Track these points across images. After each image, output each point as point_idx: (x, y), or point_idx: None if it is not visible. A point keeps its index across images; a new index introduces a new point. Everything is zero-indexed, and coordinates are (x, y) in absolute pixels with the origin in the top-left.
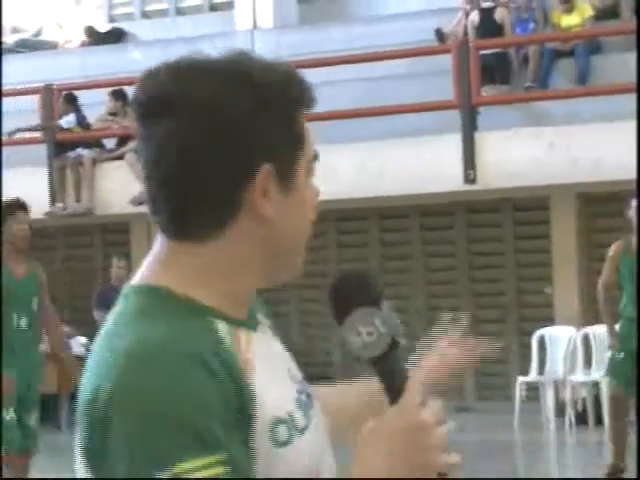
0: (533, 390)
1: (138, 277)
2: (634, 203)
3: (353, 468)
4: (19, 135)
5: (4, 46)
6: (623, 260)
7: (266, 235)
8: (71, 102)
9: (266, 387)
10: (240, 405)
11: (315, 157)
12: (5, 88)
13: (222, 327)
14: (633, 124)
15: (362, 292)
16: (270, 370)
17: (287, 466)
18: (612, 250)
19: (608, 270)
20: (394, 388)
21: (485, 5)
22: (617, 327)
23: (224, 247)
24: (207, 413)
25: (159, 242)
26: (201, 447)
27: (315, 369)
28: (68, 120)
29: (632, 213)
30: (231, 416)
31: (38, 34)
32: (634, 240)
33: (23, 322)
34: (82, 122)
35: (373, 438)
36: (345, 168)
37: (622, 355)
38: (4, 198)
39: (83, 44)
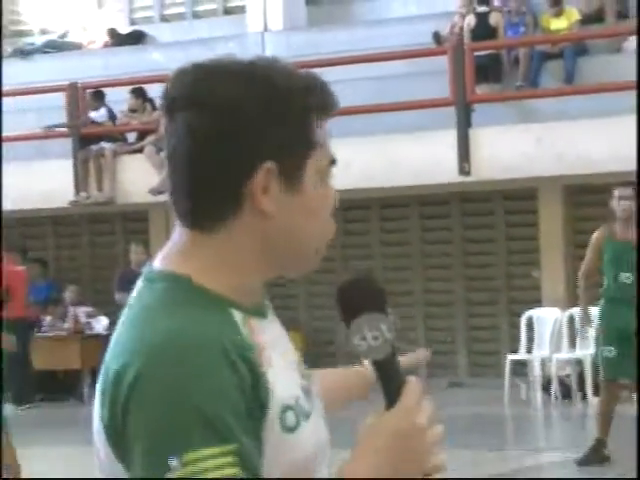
0: (521, 367)
1: (160, 262)
2: (616, 193)
3: (346, 463)
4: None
5: (33, 47)
6: (606, 246)
7: (269, 231)
8: (100, 98)
9: (277, 375)
10: (255, 395)
11: (332, 162)
12: (33, 86)
13: (238, 317)
14: (616, 120)
15: (370, 297)
16: (280, 357)
17: (294, 451)
18: (594, 238)
19: (590, 257)
20: (392, 391)
21: (480, 10)
22: (596, 308)
23: (229, 239)
24: (222, 404)
25: (178, 231)
26: (212, 437)
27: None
28: (101, 115)
29: (615, 203)
30: (246, 406)
31: (64, 36)
32: (617, 227)
33: None
34: (112, 116)
35: (369, 436)
36: (349, 161)
37: (613, 353)
38: (34, 188)
39: (106, 45)
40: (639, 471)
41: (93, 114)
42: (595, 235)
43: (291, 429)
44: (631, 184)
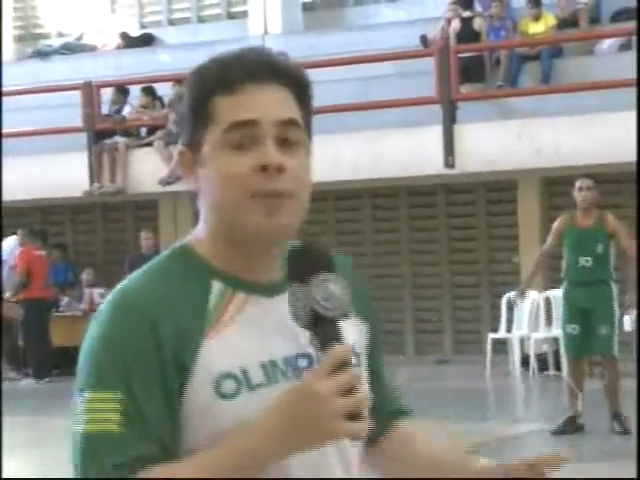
0: (502, 345)
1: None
2: (577, 184)
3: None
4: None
5: (51, 48)
6: (567, 233)
7: (204, 203)
8: (124, 94)
9: (226, 344)
10: (177, 356)
11: (232, 126)
12: (51, 84)
13: (217, 286)
14: (588, 117)
15: (320, 262)
16: (246, 331)
17: (226, 416)
18: (556, 224)
19: (551, 242)
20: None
21: (465, 15)
22: (559, 291)
23: (202, 213)
24: (115, 356)
25: None
26: (100, 383)
27: None
28: (130, 111)
29: (575, 193)
30: (160, 363)
31: (80, 38)
32: (577, 216)
33: None
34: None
35: (279, 401)
36: (343, 154)
37: (577, 330)
38: (52, 179)
39: (118, 47)
40: (639, 471)
41: (119, 108)
42: (557, 222)
43: (226, 396)
44: (590, 176)
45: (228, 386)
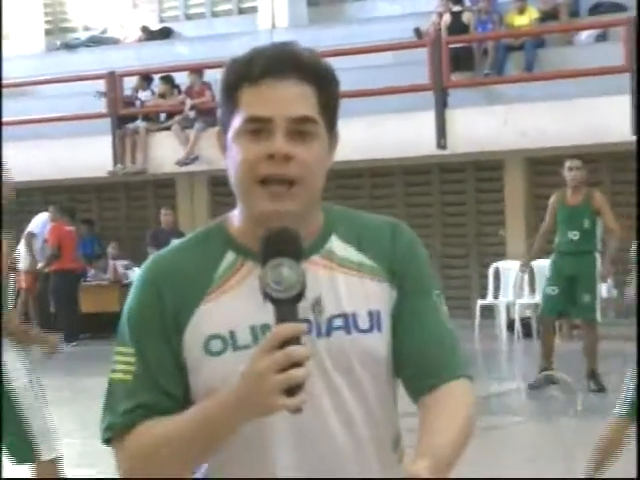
0: (489, 310)
1: None
2: (567, 164)
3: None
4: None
5: (77, 41)
6: (558, 209)
7: (230, 180)
8: (148, 81)
9: (221, 308)
10: (175, 318)
11: (249, 119)
12: (77, 74)
13: (230, 256)
14: (568, 103)
15: (283, 246)
16: (245, 297)
17: (215, 371)
18: (550, 202)
19: (549, 219)
20: None
21: (455, 9)
22: (547, 260)
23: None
24: (135, 316)
25: None
26: (121, 340)
27: None
28: (146, 94)
29: (566, 172)
30: (162, 324)
31: (104, 32)
32: (567, 193)
33: None
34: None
35: (239, 375)
36: (344, 137)
37: (556, 291)
38: (79, 160)
39: (139, 40)
40: (639, 471)
41: (141, 94)
42: (551, 200)
43: (214, 353)
44: (579, 157)
45: (215, 345)
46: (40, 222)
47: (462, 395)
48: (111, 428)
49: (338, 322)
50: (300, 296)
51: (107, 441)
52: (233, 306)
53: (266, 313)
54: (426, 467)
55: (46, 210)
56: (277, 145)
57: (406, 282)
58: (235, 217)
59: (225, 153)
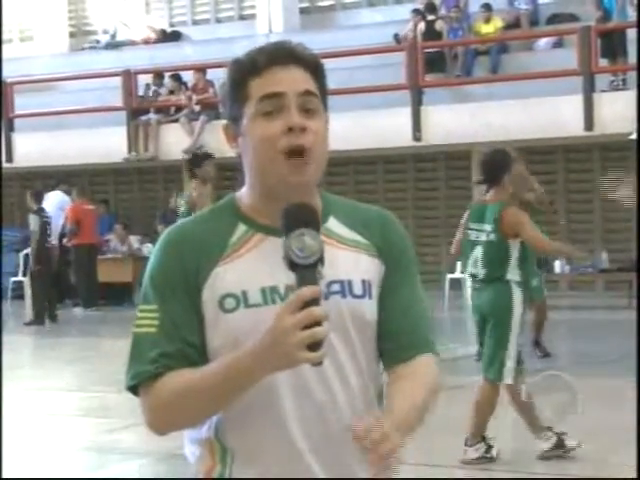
0: (457, 284)
1: None
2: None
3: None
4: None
5: (97, 43)
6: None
7: (245, 165)
8: (161, 77)
9: (235, 271)
10: (195, 277)
11: (263, 98)
12: (97, 72)
13: (241, 228)
14: (529, 101)
15: (303, 217)
16: (256, 261)
17: (228, 326)
18: None
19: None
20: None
21: (429, 18)
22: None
23: (246, 175)
24: (157, 276)
25: None
26: (145, 299)
27: None
28: (161, 89)
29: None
30: (185, 283)
31: (121, 35)
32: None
33: None
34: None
35: (264, 330)
36: (332, 130)
37: None
38: (98, 148)
39: (151, 42)
40: (639, 471)
41: (154, 88)
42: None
43: (228, 310)
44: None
45: (229, 303)
46: (55, 202)
47: (427, 368)
48: (137, 376)
49: (335, 287)
50: (320, 262)
51: (132, 388)
52: (245, 270)
53: (274, 277)
54: (388, 425)
55: (57, 189)
56: (294, 118)
57: (391, 261)
58: (243, 196)
59: (235, 142)
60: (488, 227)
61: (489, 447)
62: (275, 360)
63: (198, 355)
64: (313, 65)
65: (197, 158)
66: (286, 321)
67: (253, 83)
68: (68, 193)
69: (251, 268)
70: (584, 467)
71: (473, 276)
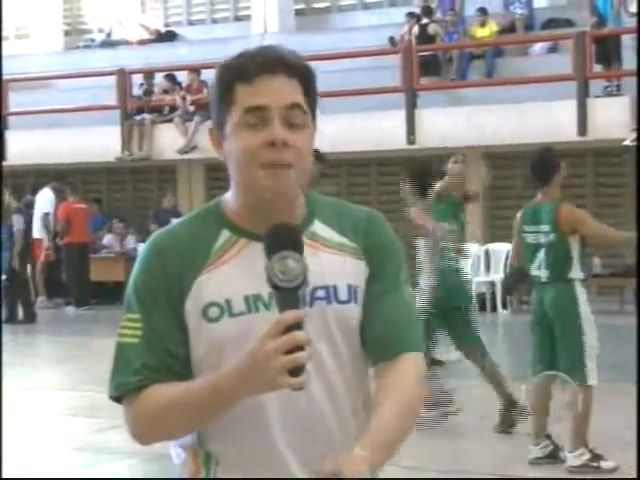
0: None
1: None
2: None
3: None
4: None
5: (92, 41)
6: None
7: (230, 170)
8: (151, 78)
9: (217, 280)
10: (179, 285)
11: (247, 110)
12: (91, 71)
13: (225, 234)
14: (523, 105)
15: (286, 240)
16: (239, 269)
17: (212, 335)
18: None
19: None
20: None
21: (423, 22)
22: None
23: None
24: (141, 285)
25: None
26: (129, 308)
27: None
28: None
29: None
30: (167, 291)
31: (115, 34)
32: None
33: None
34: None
35: (245, 351)
36: (326, 132)
37: None
38: (92, 147)
39: (146, 41)
40: (639, 471)
41: (146, 87)
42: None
43: (211, 320)
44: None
45: (213, 312)
46: (46, 200)
47: (410, 370)
48: (120, 387)
49: (320, 293)
50: (302, 286)
51: (116, 399)
52: (228, 278)
53: (257, 285)
54: (363, 455)
55: (47, 186)
56: (276, 132)
57: (377, 265)
58: (228, 200)
59: (219, 147)
60: (546, 228)
61: (594, 456)
62: (256, 383)
63: (181, 366)
64: (303, 73)
65: None
66: (268, 345)
67: (240, 89)
68: (58, 191)
69: (234, 276)
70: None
71: (535, 278)
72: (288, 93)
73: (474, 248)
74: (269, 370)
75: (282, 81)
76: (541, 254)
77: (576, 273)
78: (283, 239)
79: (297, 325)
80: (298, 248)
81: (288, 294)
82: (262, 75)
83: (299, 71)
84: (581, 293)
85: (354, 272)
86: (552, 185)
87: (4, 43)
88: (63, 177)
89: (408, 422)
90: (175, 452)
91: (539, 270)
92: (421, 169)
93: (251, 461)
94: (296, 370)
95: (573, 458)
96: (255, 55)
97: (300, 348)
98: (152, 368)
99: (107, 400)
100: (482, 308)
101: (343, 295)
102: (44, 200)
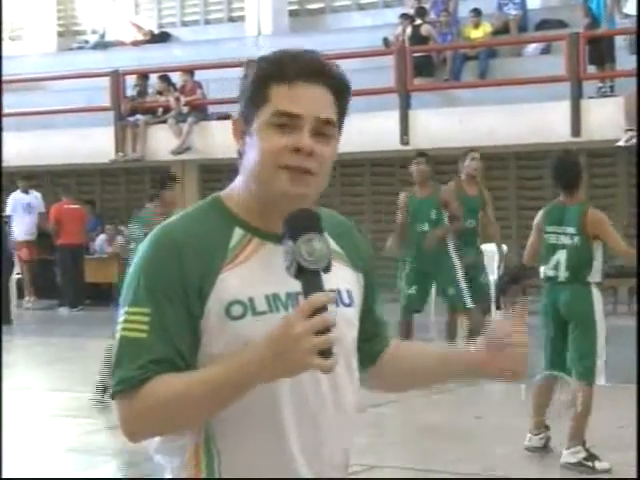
0: None
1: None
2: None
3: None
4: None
5: (86, 43)
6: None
7: (245, 163)
8: (144, 79)
9: (239, 277)
10: (199, 282)
11: (279, 113)
12: (85, 72)
13: (238, 232)
14: (517, 106)
15: (310, 222)
16: (257, 269)
17: (235, 333)
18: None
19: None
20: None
21: (416, 23)
22: None
23: (241, 173)
24: (153, 278)
25: None
26: (135, 301)
27: None
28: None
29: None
30: (183, 286)
31: (109, 35)
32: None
33: None
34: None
35: (268, 334)
36: None
37: (414, 291)
38: (85, 148)
39: (140, 43)
40: (639, 471)
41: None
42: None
43: (235, 318)
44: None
45: (236, 310)
46: (13, 202)
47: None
48: (124, 381)
49: None
50: (328, 268)
51: (118, 393)
52: (249, 276)
53: (275, 285)
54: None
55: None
56: (305, 141)
57: (366, 275)
58: (233, 197)
59: (242, 139)
60: (571, 230)
61: (590, 455)
62: (284, 367)
63: (185, 364)
64: (340, 86)
65: (164, 179)
66: (298, 327)
67: (276, 89)
68: (26, 192)
69: (254, 275)
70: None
71: (550, 278)
72: (323, 106)
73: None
74: (298, 352)
75: (319, 92)
76: (561, 255)
77: (595, 277)
78: (307, 222)
79: (323, 308)
80: (320, 231)
81: (313, 277)
82: (301, 80)
83: (337, 84)
84: (597, 296)
85: (349, 279)
86: (579, 187)
87: None
88: (32, 177)
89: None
90: (165, 460)
91: (556, 270)
92: (574, 162)
93: (260, 463)
94: (326, 352)
95: (569, 455)
96: (297, 57)
97: (328, 330)
98: (159, 363)
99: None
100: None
101: (345, 298)
102: (13, 201)
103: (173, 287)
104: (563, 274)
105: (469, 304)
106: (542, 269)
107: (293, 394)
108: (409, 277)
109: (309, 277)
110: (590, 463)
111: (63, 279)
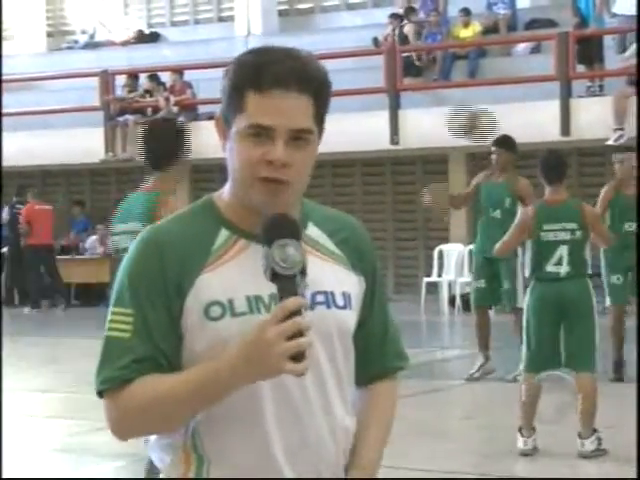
0: (433, 287)
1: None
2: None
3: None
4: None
5: (75, 43)
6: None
7: (229, 168)
8: (135, 78)
9: (220, 278)
10: (178, 282)
11: (253, 126)
12: (76, 72)
13: (224, 233)
14: (506, 106)
15: (285, 228)
16: (240, 270)
17: (214, 334)
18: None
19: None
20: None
21: (403, 23)
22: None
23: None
24: (133, 282)
25: None
26: (119, 302)
27: None
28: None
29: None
30: (164, 286)
31: (99, 35)
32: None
33: None
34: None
35: (242, 338)
36: None
37: (482, 285)
38: (76, 148)
39: (129, 43)
40: (639, 470)
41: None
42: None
43: (214, 318)
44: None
45: (215, 311)
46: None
47: (389, 397)
48: (108, 381)
49: (320, 298)
50: (302, 273)
51: (101, 393)
52: (230, 278)
53: (258, 286)
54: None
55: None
56: (277, 153)
57: (368, 279)
58: (223, 198)
59: (224, 141)
60: (572, 225)
61: (600, 439)
62: (257, 371)
63: (168, 363)
64: (318, 88)
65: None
66: (270, 331)
67: (251, 97)
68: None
69: (236, 276)
70: (576, 464)
71: (550, 275)
72: (297, 115)
73: (459, 248)
74: (271, 357)
75: (294, 101)
76: (562, 251)
77: (588, 269)
78: (282, 228)
79: (298, 312)
80: (296, 236)
81: (287, 282)
82: (275, 89)
83: (316, 86)
84: (591, 287)
85: (345, 281)
86: (564, 184)
87: None
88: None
89: (386, 441)
90: (158, 457)
91: (558, 266)
92: (561, 160)
93: (244, 462)
94: (298, 356)
95: (589, 444)
96: (275, 62)
97: (301, 334)
98: (141, 363)
99: (92, 401)
100: (467, 308)
101: (340, 301)
102: None
103: (155, 288)
104: (565, 269)
105: (519, 303)
106: (527, 268)
107: (275, 394)
108: (477, 269)
109: (283, 282)
110: (603, 447)
111: (32, 280)
